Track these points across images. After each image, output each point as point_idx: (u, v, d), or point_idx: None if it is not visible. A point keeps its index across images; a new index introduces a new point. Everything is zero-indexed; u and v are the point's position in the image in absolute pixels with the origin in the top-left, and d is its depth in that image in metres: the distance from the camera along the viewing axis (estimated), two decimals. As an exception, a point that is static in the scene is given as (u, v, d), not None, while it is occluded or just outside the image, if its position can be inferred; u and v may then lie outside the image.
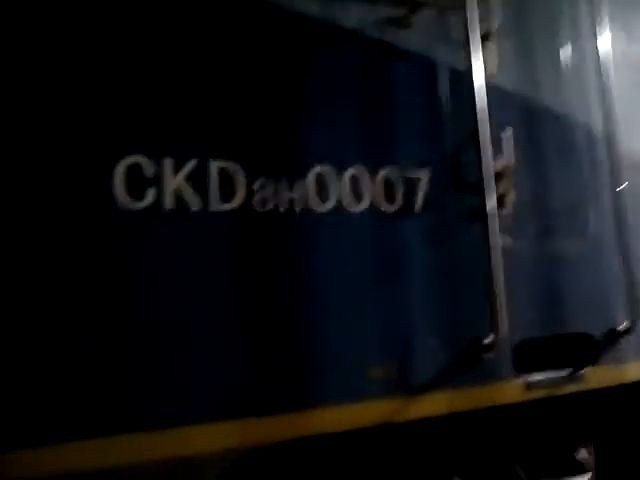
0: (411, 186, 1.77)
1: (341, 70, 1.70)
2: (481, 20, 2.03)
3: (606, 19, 2.45)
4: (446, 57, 1.96)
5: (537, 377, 2.00)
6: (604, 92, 2.40)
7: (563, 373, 2.11)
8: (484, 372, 1.83)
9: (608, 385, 2.27)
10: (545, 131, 2.28)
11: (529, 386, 1.97)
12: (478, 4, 1.98)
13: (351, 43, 1.75)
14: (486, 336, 1.80)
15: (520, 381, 1.95)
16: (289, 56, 1.61)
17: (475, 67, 1.93)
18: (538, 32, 2.35)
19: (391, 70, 1.83)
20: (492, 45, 2.10)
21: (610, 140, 2.39)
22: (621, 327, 2.26)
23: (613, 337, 2.27)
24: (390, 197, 1.71)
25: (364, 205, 1.66)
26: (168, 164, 1.36)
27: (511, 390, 1.92)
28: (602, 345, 2.26)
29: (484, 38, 2.04)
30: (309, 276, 1.54)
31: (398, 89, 1.83)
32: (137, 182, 1.31)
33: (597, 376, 2.21)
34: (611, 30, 2.47)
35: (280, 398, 1.44)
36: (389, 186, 1.71)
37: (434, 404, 1.67)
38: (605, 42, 2.43)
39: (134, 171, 1.30)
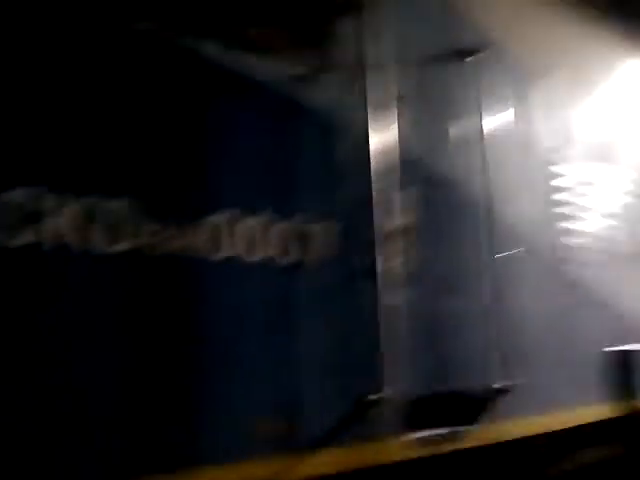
0: (307, 240, 1.78)
1: (246, 121, 1.73)
2: (384, 86, 2.13)
3: (492, 99, 2.61)
4: (350, 117, 2.01)
5: (420, 435, 2.03)
6: (484, 164, 2.50)
7: (445, 431, 2.13)
8: (371, 429, 1.86)
9: (486, 444, 2.29)
10: (439, 195, 2.35)
11: (412, 444, 1.99)
12: (379, 72, 2.09)
13: (259, 95, 1.77)
14: (374, 393, 1.84)
15: (403, 439, 1.96)
16: (193, 102, 1.63)
17: (375, 128, 2.04)
18: (434, 103, 2.45)
19: (296, 125, 1.88)
20: (393, 109, 2.17)
21: (489, 208, 2.48)
22: (500, 386, 2.31)
23: (493, 395, 2.30)
24: (284, 250, 1.73)
25: (258, 256, 1.67)
26: (51, 201, 1.31)
27: (395, 448, 1.93)
28: (483, 403, 2.29)
29: (385, 102, 2.13)
30: (199, 325, 1.55)
31: (301, 144, 1.87)
32: (15, 218, 1.26)
33: (476, 434, 2.24)
34: (495, 108, 2.65)
35: (163, 456, 1.43)
36: (284, 239, 1.73)
37: (322, 463, 1.69)
38: (490, 119, 2.60)
39: (12, 207, 1.25)
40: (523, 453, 2.63)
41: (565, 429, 2.69)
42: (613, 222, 3.33)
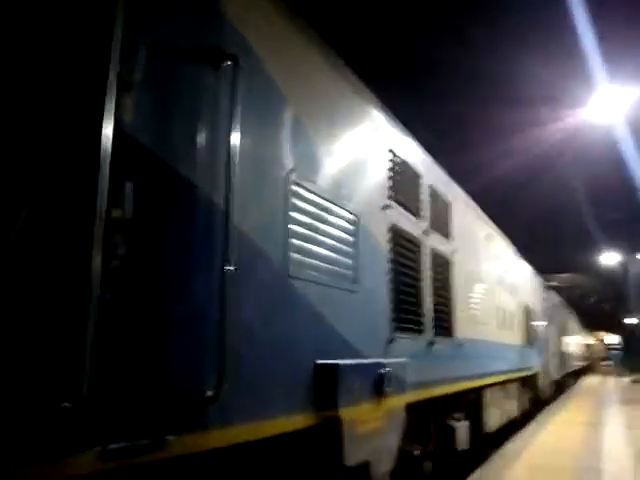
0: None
1: None
2: (125, 69, 2.11)
3: (239, 120, 2.63)
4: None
5: (114, 446, 1.93)
6: (230, 175, 2.53)
7: (145, 441, 2.06)
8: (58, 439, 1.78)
9: (192, 452, 2.28)
10: (172, 192, 2.36)
11: (103, 455, 1.89)
12: (125, 53, 2.08)
13: None
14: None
15: (93, 451, 1.88)
16: None
17: (106, 114, 1.98)
18: (181, 104, 2.47)
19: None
20: (131, 97, 2.17)
21: (227, 217, 2.49)
22: (207, 394, 2.30)
23: (199, 404, 2.31)
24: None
25: None
26: None
27: (83, 461, 1.85)
28: (188, 411, 2.28)
29: (123, 88, 2.09)
30: None
31: None
32: None
33: (181, 443, 2.22)
34: (242, 127, 2.66)
35: None
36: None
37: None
38: (236, 136, 2.61)
39: None
40: (235, 460, 2.67)
41: (276, 435, 2.80)
42: (339, 246, 3.66)
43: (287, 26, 3.34)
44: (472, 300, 7.24)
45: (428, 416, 5.58)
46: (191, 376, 2.32)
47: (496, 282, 8.94)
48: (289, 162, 3.12)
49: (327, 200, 3.52)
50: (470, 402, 7.28)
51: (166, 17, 2.45)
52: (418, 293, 5.14)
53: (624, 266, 33.75)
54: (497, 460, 7.57)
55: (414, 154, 5.44)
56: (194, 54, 2.51)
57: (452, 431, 6.17)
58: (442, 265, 5.96)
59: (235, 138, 2.59)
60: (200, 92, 2.54)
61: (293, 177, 3.13)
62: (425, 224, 5.53)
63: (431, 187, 5.80)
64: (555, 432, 10.09)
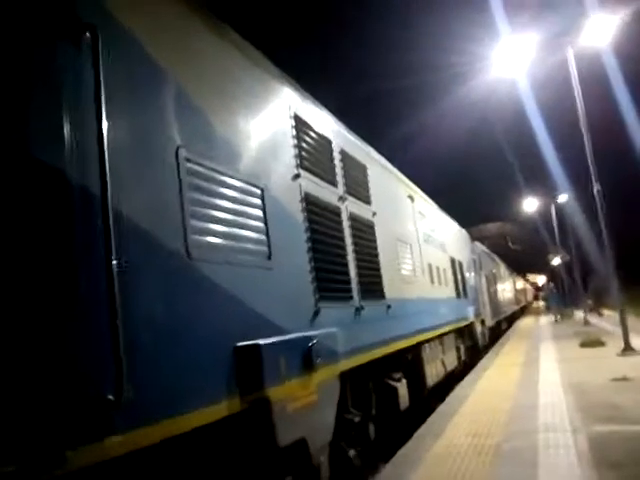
0: None
1: None
2: None
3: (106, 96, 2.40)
4: None
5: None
6: (103, 158, 2.31)
7: (40, 459, 1.89)
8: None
9: (96, 462, 2.10)
10: (29, 181, 2.12)
11: None
12: None
13: None
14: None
15: None
16: None
17: None
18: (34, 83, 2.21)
19: None
20: None
21: (105, 204, 2.27)
22: (109, 397, 2.14)
23: (100, 410, 2.12)
24: None
25: None
26: None
27: None
28: (88, 419, 2.09)
29: None
30: None
31: None
32: None
33: (83, 455, 2.03)
34: (112, 104, 2.44)
35: None
36: None
37: None
38: (105, 114, 2.37)
39: None
40: (161, 457, 2.49)
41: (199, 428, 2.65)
42: (247, 222, 3.49)
43: None
44: (399, 260, 7.29)
45: (366, 381, 5.60)
46: (87, 381, 2.12)
47: (422, 240, 9.06)
48: (176, 139, 2.90)
49: (228, 175, 3.33)
50: (409, 360, 7.39)
51: None
52: (341, 261, 5.08)
53: (544, 210, 35.51)
54: (443, 408, 7.77)
55: (321, 120, 5.31)
56: (43, 25, 2.24)
57: (393, 391, 6.24)
58: (363, 229, 5.93)
59: (104, 117, 2.34)
60: (56, 68, 2.28)
61: (184, 154, 2.91)
62: (341, 189, 5.44)
63: (343, 152, 5.71)
64: (494, 376, 10.50)
